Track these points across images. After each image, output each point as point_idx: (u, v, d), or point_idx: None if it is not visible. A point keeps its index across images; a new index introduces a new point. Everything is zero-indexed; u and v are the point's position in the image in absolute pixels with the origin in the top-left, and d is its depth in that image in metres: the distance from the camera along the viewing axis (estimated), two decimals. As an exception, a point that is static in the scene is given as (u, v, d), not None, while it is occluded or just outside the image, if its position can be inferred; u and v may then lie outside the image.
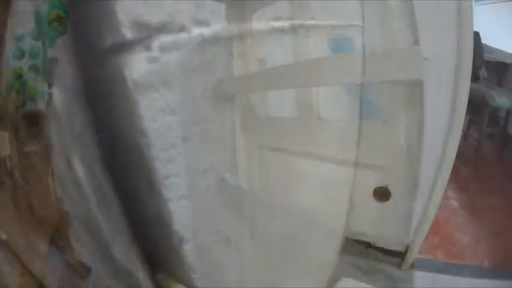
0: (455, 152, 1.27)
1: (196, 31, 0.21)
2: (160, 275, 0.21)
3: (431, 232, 1.63)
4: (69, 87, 0.15)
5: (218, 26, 0.24)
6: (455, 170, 1.39)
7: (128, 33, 0.15)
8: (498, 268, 1.68)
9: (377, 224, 1.41)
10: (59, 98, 0.13)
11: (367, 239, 1.45)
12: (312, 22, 0.48)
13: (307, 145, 0.66)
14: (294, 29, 0.41)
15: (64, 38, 0.13)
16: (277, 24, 0.34)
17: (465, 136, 2.67)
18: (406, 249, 1.48)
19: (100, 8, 0.14)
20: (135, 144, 0.17)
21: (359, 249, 1.48)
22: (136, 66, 0.16)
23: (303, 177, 0.63)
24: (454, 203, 2.09)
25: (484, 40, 2.86)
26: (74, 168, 0.14)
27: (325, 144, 0.83)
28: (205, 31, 0.22)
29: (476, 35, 2.74)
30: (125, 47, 0.16)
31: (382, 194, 1.31)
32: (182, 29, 0.20)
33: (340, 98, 1.20)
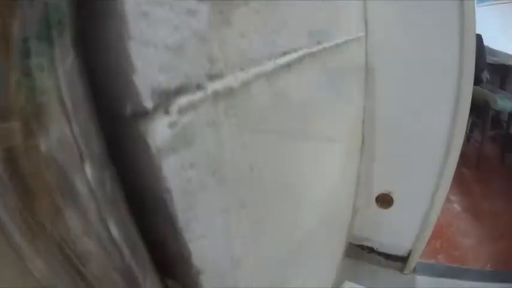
0: (457, 158, 1.29)
1: (211, 87, 0.24)
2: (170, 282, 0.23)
3: (434, 236, 1.65)
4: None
5: (232, 77, 0.26)
6: (457, 173, 1.40)
7: (149, 103, 0.17)
8: (500, 271, 1.69)
9: (380, 230, 1.43)
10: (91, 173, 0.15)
11: (370, 244, 1.48)
12: (320, 47, 0.49)
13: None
14: (300, 60, 0.42)
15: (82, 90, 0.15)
16: (285, 59, 0.36)
17: (468, 139, 2.68)
18: (408, 254, 1.50)
19: (119, 75, 0.16)
20: (160, 200, 0.19)
21: (362, 254, 1.50)
22: (159, 133, 0.18)
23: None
24: (457, 207, 2.10)
25: (486, 42, 2.86)
26: (108, 227, 0.16)
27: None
28: (219, 85, 0.24)
29: (479, 38, 2.74)
30: (145, 115, 0.18)
31: (385, 200, 1.33)
32: (198, 87, 0.22)
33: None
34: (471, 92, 1.20)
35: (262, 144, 0.33)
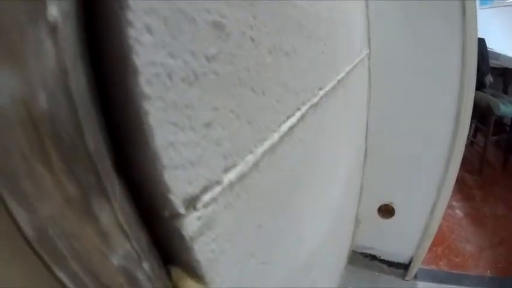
0: (457, 171, 1.34)
1: (227, 178, 0.29)
2: (172, 268, 0.25)
3: (435, 242, 1.70)
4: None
5: (243, 163, 0.31)
6: (460, 179, 1.45)
7: (182, 209, 0.23)
8: (499, 277, 1.74)
9: (382, 239, 1.48)
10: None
11: (372, 252, 1.53)
12: (322, 93, 0.54)
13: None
14: (303, 117, 0.47)
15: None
16: (288, 123, 0.41)
17: (471, 143, 2.70)
18: (410, 261, 1.55)
19: (157, 192, 0.21)
20: (191, 268, 0.25)
21: (365, 261, 1.56)
22: (190, 226, 0.24)
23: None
24: (459, 213, 2.14)
25: (489, 44, 2.87)
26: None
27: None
28: (233, 175, 0.30)
29: (482, 42, 2.76)
30: (179, 216, 0.23)
31: (386, 211, 1.38)
32: (217, 183, 0.28)
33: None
34: (472, 105, 1.24)
35: (271, 206, 0.39)
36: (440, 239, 1.88)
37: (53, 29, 0.15)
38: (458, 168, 1.34)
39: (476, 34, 1.16)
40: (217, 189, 0.28)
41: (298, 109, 0.44)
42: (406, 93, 1.24)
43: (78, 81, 0.17)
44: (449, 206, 1.94)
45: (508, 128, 2.78)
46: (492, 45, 3.09)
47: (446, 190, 1.37)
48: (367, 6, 1.20)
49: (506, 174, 2.54)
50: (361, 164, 1.28)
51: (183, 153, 0.24)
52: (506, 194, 2.32)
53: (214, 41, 0.25)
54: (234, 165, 0.30)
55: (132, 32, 0.18)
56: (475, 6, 1.15)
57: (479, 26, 1.15)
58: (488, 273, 1.76)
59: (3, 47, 0.14)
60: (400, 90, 1.25)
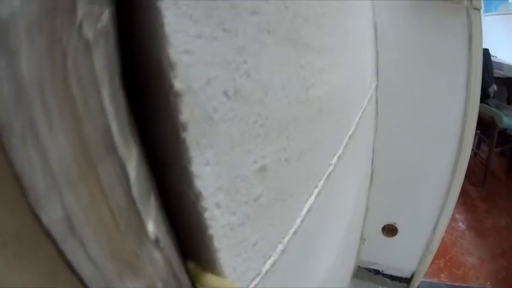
0: (458, 193, 1.40)
1: (264, 269, 0.36)
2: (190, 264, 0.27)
3: (437, 255, 1.76)
4: None
5: (275, 254, 0.38)
6: (463, 191, 1.50)
7: None
8: (499, 289, 1.80)
9: (385, 255, 1.55)
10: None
11: (376, 267, 1.60)
12: (335, 158, 0.60)
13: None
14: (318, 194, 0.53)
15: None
16: (310, 201, 0.48)
17: (474, 154, 2.75)
18: (412, 276, 1.62)
19: None
20: None
21: (369, 276, 1.63)
22: None
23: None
24: (461, 225, 2.20)
25: (492, 52, 2.87)
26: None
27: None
28: (268, 266, 0.37)
29: (486, 52, 2.78)
30: None
31: (390, 230, 1.45)
32: (258, 275, 0.35)
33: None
34: (474, 131, 1.30)
35: (295, 274, 0.46)
36: (442, 252, 1.94)
37: (156, 241, 0.22)
38: (460, 188, 1.40)
39: (481, 65, 1.21)
40: (257, 279, 0.35)
41: (316, 187, 0.51)
42: (411, 119, 1.30)
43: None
44: (452, 219, 2.00)
45: (512, 139, 2.82)
46: (495, 52, 3.11)
47: (448, 209, 1.44)
48: (376, 38, 1.26)
49: (510, 184, 2.58)
50: (367, 187, 1.35)
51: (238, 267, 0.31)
52: (510, 205, 2.36)
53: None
54: (269, 257, 0.37)
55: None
56: (481, 36, 1.20)
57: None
58: (488, 284, 1.82)
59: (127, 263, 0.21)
60: (405, 115, 1.31)
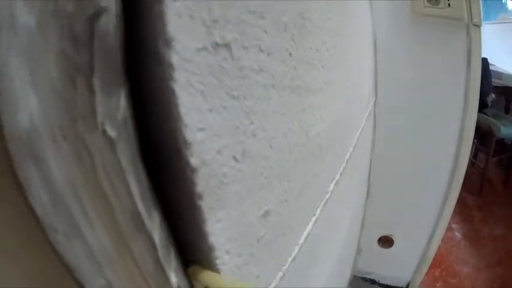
0: (453, 207, 1.43)
1: None
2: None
3: (433, 264, 1.79)
4: None
5: (276, 281, 0.41)
6: (460, 200, 1.52)
7: None
8: (494, 299, 1.82)
9: (381, 266, 1.58)
10: None
11: (372, 277, 1.63)
12: (333, 184, 0.62)
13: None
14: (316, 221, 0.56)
15: None
16: (305, 234, 0.50)
17: (471, 163, 2.77)
18: (407, 285, 1.65)
19: None
20: None
21: (365, 285, 1.66)
22: None
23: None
24: (458, 235, 2.23)
25: (490, 60, 2.89)
26: None
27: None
28: None
29: (484, 62, 2.80)
30: None
31: (386, 241, 1.48)
32: None
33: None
34: (471, 144, 1.32)
35: None
36: (438, 261, 1.97)
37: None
38: (455, 200, 1.43)
39: (479, 81, 1.24)
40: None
41: (314, 215, 0.54)
42: (408, 133, 1.32)
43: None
44: (449, 228, 2.02)
45: (510, 148, 2.84)
46: (494, 61, 3.13)
47: (444, 220, 1.46)
48: (375, 53, 1.28)
49: (507, 193, 2.61)
50: (364, 200, 1.37)
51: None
52: (507, 213, 2.39)
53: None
54: (269, 284, 0.40)
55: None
56: (480, 53, 1.23)
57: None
58: (483, 294, 1.85)
59: None
60: (402, 129, 1.33)
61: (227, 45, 0.23)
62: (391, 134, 1.32)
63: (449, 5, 1.18)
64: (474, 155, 2.83)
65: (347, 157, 0.73)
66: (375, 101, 1.30)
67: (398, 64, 1.27)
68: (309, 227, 0.52)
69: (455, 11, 1.18)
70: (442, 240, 1.59)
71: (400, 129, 1.31)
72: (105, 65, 0.16)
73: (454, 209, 1.49)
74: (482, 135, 2.62)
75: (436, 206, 1.43)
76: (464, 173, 1.37)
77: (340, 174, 0.65)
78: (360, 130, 0.91)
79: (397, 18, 1.25)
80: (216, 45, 0.21)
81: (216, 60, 0.22)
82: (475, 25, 1.21)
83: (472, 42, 1.23)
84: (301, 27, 0.39)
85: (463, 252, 2.10)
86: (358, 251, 1.52)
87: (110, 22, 0.16)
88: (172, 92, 0.20)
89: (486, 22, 3.70)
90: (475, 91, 1.24)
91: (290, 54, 0.39)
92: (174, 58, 0.18)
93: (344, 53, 0.66)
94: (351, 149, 0.78)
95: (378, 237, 1.48)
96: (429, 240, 1.50)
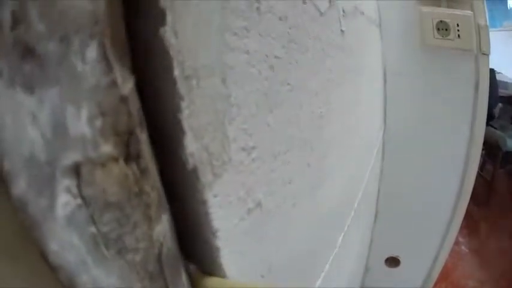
0: (458, 228, 1.46)
1: None
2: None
3: (438, 279, 1.81)
4: None
5: None
6: (467, 212, 1.54)
7: None
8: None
9: (388, 283, 1.61)
10: None
11: (379, 294, 1.66)
12: (340, 238, 0.66)
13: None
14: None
15: None
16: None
17: (479, 175, 2.76)
18: (414, 301, 1.68)
19: None
20: None
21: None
22: None
23: None
24: (464, 249, 2.24)
25: (494, 67, 2.87)
26: None
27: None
28: None
29: (492, 73, 2.79)
30: None
31: (393, 262, 1.51)
32: None
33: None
34: (482, 143, 1.33)
35: None
36: (444, 275, 1.99)
37: None
38: (461, 223, 1.46)
39: (486, 111, 1.26)
40: None
41: (322, 271, 0.57)
42: (416, 161, 1.35)
43: None
44: (455, 242, 2.03)
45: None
46: (499, 69, 3.10)
47: (449, 241, 1.49)
48: (385, 83, 1.31)
49: (513, 204, 2.61)
50: (371, 224, 1.41)
51: None
52: (512, 225, 2.39)
53: None
54: None
55: None
56: (488, 82, 1.24)
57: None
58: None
59: None
60: (410, 156, 1.36)
61: (259, 204, 0.27)
62: (399, 161, 1.35)
63: (459, 36, 1.20)
64: (481, 166, 2.83)
65: (355, 206, 0.76)
66: (384, 129, 1.33)
67: (407, 94, 1.29)
68: (318, 282, 0.55)
69: (465, 42, 1.19)
70: (449, 253, 1.61)
71: (408, 156, 1.34)
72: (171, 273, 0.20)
73: (461, 222, 1.52)
74: (489, 147, 2.62)
75: (442, 228, 1.46)
76: (470, 194, 1.39)
77: (348, 227, 0.68)
78: (370, 167, 0.94)
79: (406, 47, 1.27)
80: (249, 211, 0.25)
81: (250, 223, 0.26)
82: (484, 54, 1.23)
83: (480, 71, 1.25)
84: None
85: (469, 265, 2.12)
86: (366, 270, 1.55)
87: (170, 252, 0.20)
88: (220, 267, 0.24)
89: (491, 30, 3.65)
90: (481, 119, 1.26)
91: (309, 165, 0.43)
92: (219, 243, 0.22)
93: (357, 104, 0.69)
94: (360, 194, 0.81)
95: (385, 258, 1.51)
96: (435, 260, 1.53)
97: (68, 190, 0.15)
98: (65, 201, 0.15)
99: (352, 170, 0.72)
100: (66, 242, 0.15)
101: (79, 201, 0.15)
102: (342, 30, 0.59)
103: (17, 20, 0.14)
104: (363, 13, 0.87)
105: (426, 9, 1.26)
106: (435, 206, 1.41)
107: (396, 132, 1.33)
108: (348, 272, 1.00)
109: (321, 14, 0.48)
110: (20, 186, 0.14)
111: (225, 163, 0.24)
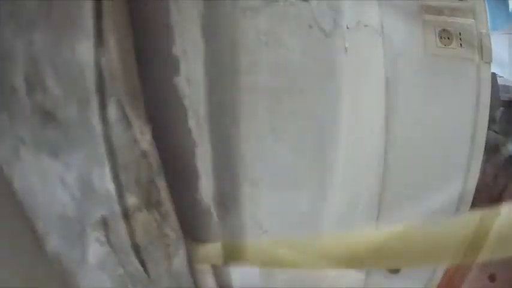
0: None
1: None
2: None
3: (440, 285, 1.81)
4: None
5: None
6: None
7: None
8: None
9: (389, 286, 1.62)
10: None
11: (379, 299, 1.67)
12: None
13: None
14: None
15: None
16: None
17: (479, 180, 2.75)
18: (414, 307, 1.69)
19: None
20: None
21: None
22: None
23: None
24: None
25: (496, 70, 2.84)
26: None
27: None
28: None
29: (493, 76, 2.76)
30: None
31: (394, 269, 1.52)
32: None
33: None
34: (484, 148, 1.33)
35: None
36: (445, 284, 1.99)
37: None
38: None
39: (487, 122, 1.26)
40: None
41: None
42: (418, 168, 1.35)
43: None
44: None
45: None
46: (501, 72, 3.07)
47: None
48: (387, 93, 1.30)
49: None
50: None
51: None
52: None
53: None
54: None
55: None
56: (489, 93, 1.24)
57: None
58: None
59: None
60: (412, 163, 1.36)
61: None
62: (401, 169, 1.35)
63: (461, 45, 1.20)
64: (482, 170, 2.81)
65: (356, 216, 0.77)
66: (386, 140, 1.33)
67: (409, 102, 1.29)
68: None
69: (467, 51, 1.19)
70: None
71: (410, 164, 1.34)
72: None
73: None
74: (489, 151, 2.61)
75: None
76: (469, 208, 1.39)
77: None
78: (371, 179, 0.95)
79: (409, 59, 1.26)
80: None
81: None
82: (486, 62, 1.22)
83: (481, 83, 1.24)
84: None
85: (472, 274, 2.11)
86: (367, 275, 1.56)
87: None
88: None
89: (491, 32, 3.60)
90: (482, 130, 1.26)
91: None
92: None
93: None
94: (360, 207, 0.82)
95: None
96: (433, 270, 1.53)
97: (98, 240, 0.16)
98: (95, 250, 0.16)
99: (354, 181, 0.73)
100: (98, 285, 0.17)
101: (108, 248, 0.17)
102: (345, 48, 0.60)
103: (32, 84, 0.15)
104: (366, 26, 0.87)
105: (429, 17, 1.25)
106: (436, 214, 1.41)
107: (398, 141, 1.33)
108: (348, 275, 1.00)
109: (326, 35, 0.49)
110: (54, 242, 0.15)
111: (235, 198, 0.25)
